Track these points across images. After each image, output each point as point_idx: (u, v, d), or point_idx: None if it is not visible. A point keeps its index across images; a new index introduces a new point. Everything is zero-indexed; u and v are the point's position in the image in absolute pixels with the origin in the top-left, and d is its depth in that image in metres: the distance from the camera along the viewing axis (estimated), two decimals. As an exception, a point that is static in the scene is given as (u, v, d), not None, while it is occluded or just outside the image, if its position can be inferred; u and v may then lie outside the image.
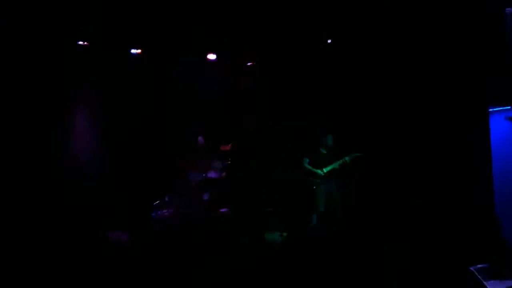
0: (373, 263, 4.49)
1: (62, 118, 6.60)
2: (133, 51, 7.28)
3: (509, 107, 5.30)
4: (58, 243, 4.62)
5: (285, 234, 5.84)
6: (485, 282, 3.91)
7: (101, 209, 6.09)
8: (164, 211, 6.69)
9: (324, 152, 6.14)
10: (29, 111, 6.09)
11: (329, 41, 7.09)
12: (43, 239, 4.74)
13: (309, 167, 6.05)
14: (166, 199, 7.09)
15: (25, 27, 5.83)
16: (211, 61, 7.89)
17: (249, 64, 8.49)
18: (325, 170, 5.99)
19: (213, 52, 7.77)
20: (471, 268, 4.12)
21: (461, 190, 5.53)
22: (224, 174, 7.32)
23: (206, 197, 6.66)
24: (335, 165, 6.01)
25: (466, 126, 5.64)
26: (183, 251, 5.17)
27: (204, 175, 7.00)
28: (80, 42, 6.77)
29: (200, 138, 7.50)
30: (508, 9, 4.99)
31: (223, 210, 6.85)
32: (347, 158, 5.96)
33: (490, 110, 5.48)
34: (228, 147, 7.44)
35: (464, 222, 5.37)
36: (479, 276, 3.98)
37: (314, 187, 5.98)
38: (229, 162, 7.48)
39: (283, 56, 7.52)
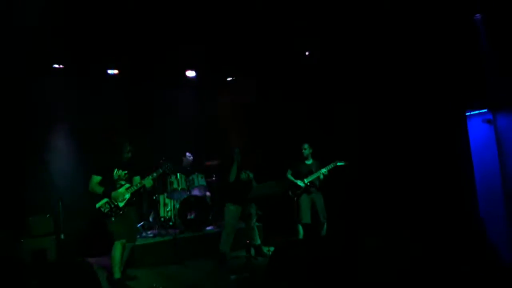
0: (362, 269, 4.47)
1: (39, 141, 6.46)
2: (110, 71, 7.20)
3: (486, 110, 5.40)
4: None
5: (272, 248, 5.77)
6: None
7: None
8: (149, 232, 6.57)
9: (307, 162, 6.12)
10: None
11: (306, 53, 7.15)
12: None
13: (292, 178, 6.03)
14: (150, 219, 6.98)
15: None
16: (191, 78, 7.87)
17: (229, 79, 8.51)
18: (306, 180, 5.97)
19: (192, 69, 7.75)
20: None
21: (444, 195, 5.57)
22: (208, 192, 7.28)
23: (191, 215, 6.55)
24: (315, 175, 5.98)
25: (444, 131, 5.71)
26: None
27: (188, 193, 6.92)
28: (56, 65, 6.67)
29: (187, 154, 7.44)
30: (477, 15, 5.12)
31: (209, 228, 6.77)
32: (324, 170, 5.93)
33: (467, 114, 5.57)
34: (214, 163, 7.40)
35: (449, 226, 5.41)
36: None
37: (295, 199, 5.94)
38: (214, 179, 7.44)
39: (262, 69, 7.55)
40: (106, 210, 4.61)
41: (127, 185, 4.76)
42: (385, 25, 5.84)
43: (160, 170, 4.92)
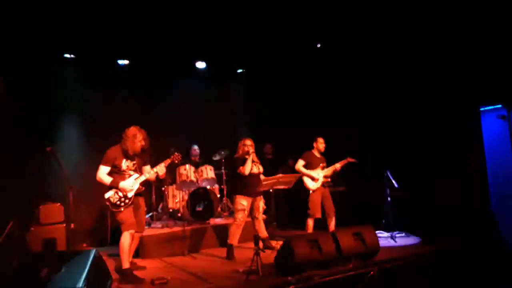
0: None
1: (50, 131, 6.50)
2: (120, 61, 7.20)
3: (500, 106, 5.31)
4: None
5: (280, 241, 5.75)
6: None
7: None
8: (157, 223, 6.60)
9: (318, 156, 6.06)
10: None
11: (318, 45, 7.08)
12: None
13: (305, 170, 5.93)
14: (159, 210, 7.01)
15: (13, 38, 5.75)
16: (200, 69, 7.84)
17: (239, 71, 8.47)
18: (321, 174, 5.90)
19: (202, 60, 7.73)
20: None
21: (457, 189, 5.51)
22: (216, 184, 7.27)
23: (200, 207, 6.56)
24: (329, 170, 5.91)
25: (458, 126, 5.64)
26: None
27: (197, 184, 6.92)
28: (67, 55, 6.69)
29: (194, 146, 7.44)
30: None
31: (217, 219, 6.78)
32: (337, 165, 5.88)
33: (482, 109, 5.49)
34: (222, 155, 7.38)
35: (461, 219, 5.36)
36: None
37: (311, 192, 5.87)
38: (223, 171, 7.43)
39: (274, 61, 7.50)
40: (115, 201, 4.61)
41: (136, 175, 4.75)
42: (397, 15, 5.76)
43: (169, 160, 4.90)
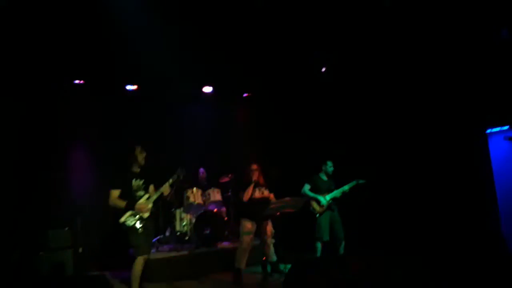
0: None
1: (58, 155, 6.56)
2: (128, 87, 7.33)
3: (507, 127, 5.31)
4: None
5: (288, 265, 5.71)
6: None
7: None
8: (165, 246, 6.58)
9: (325, 179, 6.07)
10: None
11: (323, 69, 7.16)
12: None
13: (311, 193, 5.93)
14: (167, 233, 7.00)
15: (22, 66, 5.88)
16: (207, 94, 7.95)
17: (245, 95, 8.57)
18: (327, 197, 5.89)
19: (209, 85, 7.84)
20: None
21: (465, 213, 5.46)
22: (223, 207, 7.27)
23: (207, 230, 6.54)
24: (337, 193, 5.90)
25: (465, 149, 5.63)
26: None
27: (204, 207, 6.93)
28: (76, 81, 6.83)
29: (201, 170, 7.47)
30: (504, 31, 5.06)
31: (224, 243, 6.75)
32: (346, 187, 5.88)
33: (488, 131, 5.50)
34: (227, 179, 7.40)
35: (471, 243, 5.29)
36: None
37: (317, 216, 5.86)
38: (229, 194, 7.44)
39: (279, 85, 7.58)
40: (132, 223, 4.53)
41: (147, 195, 4.71)
42: (403, 40, 5.82)
43: (175, 176, 4.85)
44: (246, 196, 5.40)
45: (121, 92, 7.31)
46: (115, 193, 4.59)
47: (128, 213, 4.56)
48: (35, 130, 6.32)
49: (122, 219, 4.54)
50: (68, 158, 6.75)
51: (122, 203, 4.56)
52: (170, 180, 4.82)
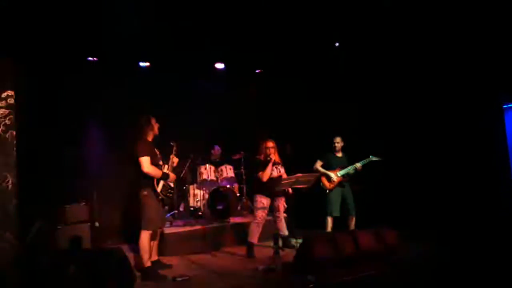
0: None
1: (75, 131, 6.70)
2: (142, 63, 7.34)
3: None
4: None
5: (300, 240, 5.78)
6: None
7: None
8: (179, 221, 6.72)
9: (338, 155, 6.06)
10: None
11: (336, 44, 7.03)
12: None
13: (323, 170, 5.96)
14: (180, 208, 7.13)
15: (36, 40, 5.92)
16: (220, 70, 7.91)
17: (257, 71, 8.50)
18: (339, 174, 5.89)
19: (221, 61, 7.79)
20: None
21: (480, 189, 5.43)
22: (236, 183, 7.35)
23: (220, 206, 6.64)
24: (349, 169, 5.89)
25: (481, 123, 5.55)
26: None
27: (217, 183, 7.02)
28: (90, 58, 6.86)
29: (216, 147, 7.53)
30: None
31: (237, 218, 6.85)
32: (358, 164, 5.85)
33: (505, 106, 5.39)
34: (239, 156, 7.45)
35: (486, 219, 5.28)
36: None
37: (327, 191, 5.89)
38: (242, 171, 7.50)
39: (291, 61, 7.50)
40: (166, 193, 4.58)
41: (167, 166, 4.76)
42: (420, 16, 5.68)
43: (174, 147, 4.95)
44: (266, 176, 5.44)
45: (135, 69, 7.32)
46: (147, 160, 4.51)
47: (162, 182, 4.60)
48: (51, 106, 6.41)
49: (159, 189, 4.57)
50: (83, 133, 6.87)
51: (158, 171, 4.56)
52: (174, 152, 4.90)
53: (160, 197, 4.60)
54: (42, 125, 6.08)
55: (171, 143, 4.99)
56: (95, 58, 6.94)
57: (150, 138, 4.79)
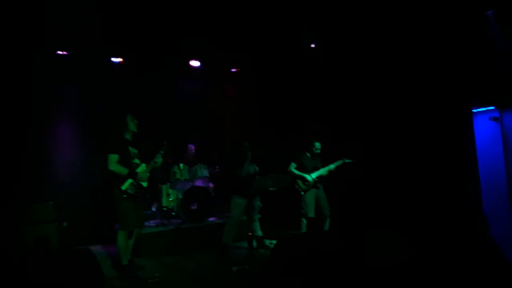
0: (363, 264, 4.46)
1: (42, 128, 6.43)
2: (114, 59, 7.13)
3: (493, 107, 5.35)
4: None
5: (274, 242, 5.78)
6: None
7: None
8: (151, 222, 6.58)
9: (311, 157, 6.09)
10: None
11: (312, 45, 7.07)
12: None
13: (297, 172, 5.97)
14: (153, 209, 6.99)
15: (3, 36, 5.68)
16: (195, 68, 7.81)
17: (233, 70, 8.45)
18: (313, 175, 5.92)
19: (196, 59, 7.68)
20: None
21: (448, 192, 5.55)
22: (211, 183, 7.28)
23: (194, 206, 6.55)
24: (323, 171, 5.94)
25: (450, 128, 5.67)
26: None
27: (191, 183, 6.92)
28: (59, 52, 6.61)
29: (191, 146, 7.42)
30: (489, 12, 5.05)
31: (211, 219, 6.77)
32: (332, 166, 5.91)
33: (474, 111, 5.53)
34: (214, 155, 7.40)
35: (453, 222, 5.40)
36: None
37: (302, 193, 5.90)
38: (217, 170, 7.43)
39: (268, 61, 7.49)
40: (132, 191, 4.42)
41: (143, 164, 4.60)
42: (390, 20, 5.77)
43: (165, 147, 4.73)
44: (245, 171, 5.50)
45: (107, 65, 7.10)
46: (115, 157, 4.41)
47: (129, 181, 4.45)
48: (17, 104, 6.15)
49: (124, 187, 4.41)
50: (51, 132, 6.61)
51: (124, 169, 4.43)
52: (162, 152, 4.73)
53: (124, 195, 4.46)
54: (5, 123, 5.83)
55: (164, 142, 4.83)
56: (64, 52, 6.69)
57: (127, 136, 4.66)
